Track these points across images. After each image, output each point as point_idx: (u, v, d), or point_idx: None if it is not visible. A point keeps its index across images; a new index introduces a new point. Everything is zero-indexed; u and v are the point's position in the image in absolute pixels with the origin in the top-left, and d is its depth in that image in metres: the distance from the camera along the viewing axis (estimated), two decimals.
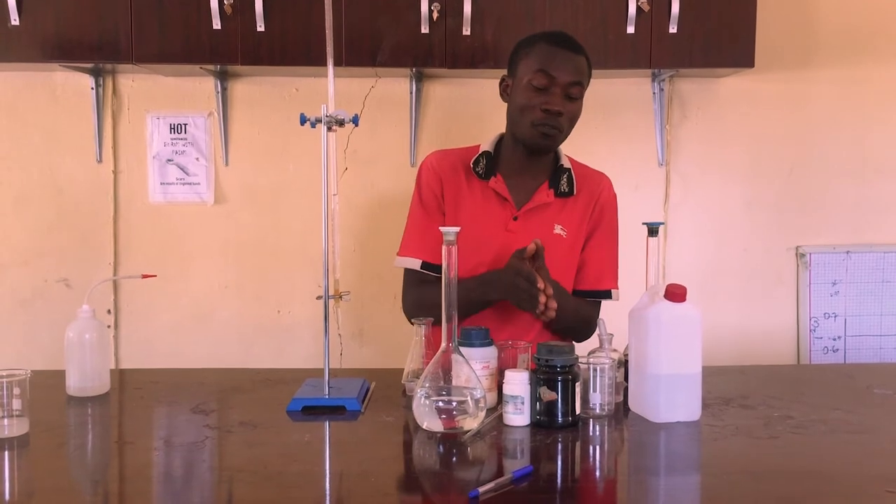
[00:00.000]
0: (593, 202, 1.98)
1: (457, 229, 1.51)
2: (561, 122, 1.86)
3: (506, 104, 1.96)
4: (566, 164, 1.99)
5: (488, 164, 1.96)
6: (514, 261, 1.77)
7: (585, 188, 1.98)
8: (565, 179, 1.96)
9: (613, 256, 2.02)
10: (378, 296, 2.85)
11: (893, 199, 2.95)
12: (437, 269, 1.95)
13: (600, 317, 1.79)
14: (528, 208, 1.94)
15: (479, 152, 1.98)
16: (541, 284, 1.71)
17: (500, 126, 2.01)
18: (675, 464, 1.42)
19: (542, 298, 1.71)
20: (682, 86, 2.90)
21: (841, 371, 2.22)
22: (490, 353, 1.62)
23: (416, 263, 1.96)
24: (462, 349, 1.54)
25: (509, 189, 1.95)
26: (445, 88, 2.87)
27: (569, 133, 1.92)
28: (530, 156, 1.94)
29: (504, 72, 1.97)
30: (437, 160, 2.00)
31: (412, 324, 1.86)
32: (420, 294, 1.96)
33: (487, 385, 1.58)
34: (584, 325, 1.98)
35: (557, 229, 1.94)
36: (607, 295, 2.00)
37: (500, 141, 2.00)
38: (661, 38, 2.56)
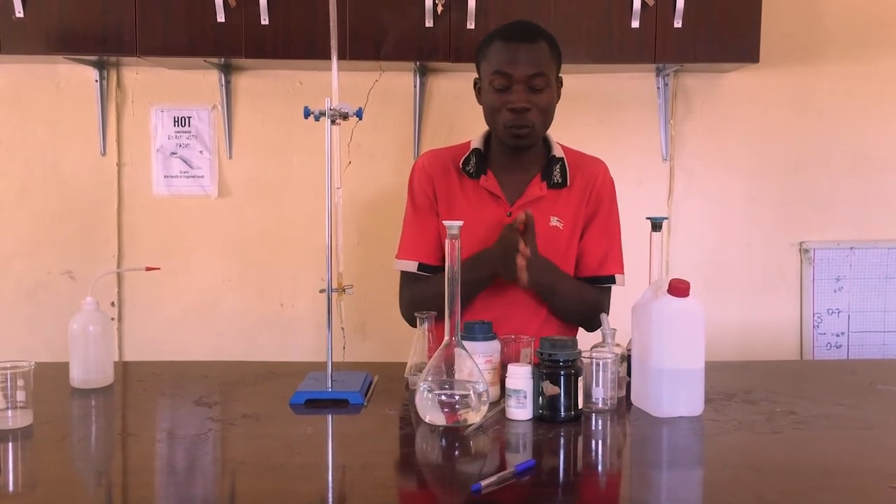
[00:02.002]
0: (588, 190, 1.95)
1: (460, 223, 1.51)
2: (530, 117, 1.83)
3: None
4: (558, 153, 1.95)
5: (478, 161, 1.94)
6: (506, 231, 1.79)
7: (579, 177, 1.95)
8: (558, 170, 1.93)
9: (615, 241, 1.99)
10: (381, 289, 2.84)
11: None
12: (433, 269, 1.96)
13: (602, 311, 1.79)
14: (522, 203, 1.92)
15: (469, 150, 1.96)
16: (521, 247, 1.72)
17: None
18: (677, 458, 1.42)
19: (520, 261, 1.72)
20: (686, 80, 2.90)
21: (844, 367, 2.22)
22: (493, 347, 1.62)
23: (412, 266, 1.96)
24: (465, 343, 1.54)
25: (501, 186, 1.93)
26: (449, 82, 2.87)
27: (546, 124, 1.89)
28: (516, 153, 1.92)
29: None
30: (427, 161, 1.99)
31: (412, 325, 1.88)
32: (415, 291, 1.96)
33: (490, 379, 1.59)
34: (592, 312, 1.93)
35: (554, 221, 1.92)
36: (611, 280, 1.96)
37: (490, 136, 1.98)
38: (665, 32, 2.55)
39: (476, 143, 1.97)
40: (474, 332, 1.61)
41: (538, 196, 1.92)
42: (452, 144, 2.06)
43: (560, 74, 1.94)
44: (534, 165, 1.95)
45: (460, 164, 1.95)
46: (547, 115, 1.88)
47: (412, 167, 2.02)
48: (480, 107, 1.97)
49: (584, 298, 1.95)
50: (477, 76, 1.94)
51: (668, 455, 1.44)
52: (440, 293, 1.70)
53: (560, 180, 1.93)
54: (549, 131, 1.98)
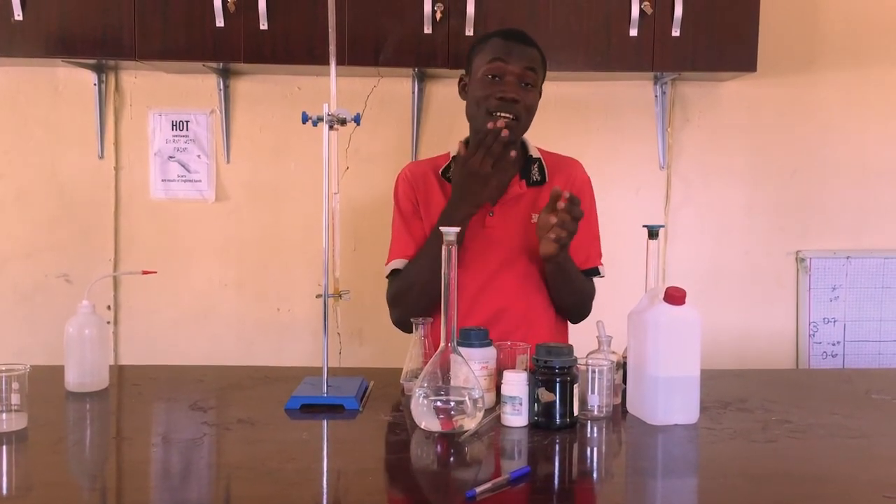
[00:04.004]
0: (568, 188, 1.94)
1: (457, 229, 1.51)
2: (517, 109, 1.87)
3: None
4: (535, 154, 2.01)
5: None
6: (460, 161, 1.82)
7: (558, 175, 2.01)
8: (536, 169, 1.99)
9: (596, 237, 2.06)
10: (378, 295, 2.82)
11: (894, 204, 2.95)
12: None
13: (599, 319, 1.80)
14: (502, 202, 1.96)
15: (449, 159, 2.01)
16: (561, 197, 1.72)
17: None
18: (672, 466, 1.42)
19: (562, 203, 1.71)
20: (684, 89, 2.90)
21: (839, 376, 2.23)
22: (489, 353, 1.62)
23: (401, 263, 1.99)
24: (461, 349, 1.54)
25: None
26: (448, 88, 2.87)
27: (526, 124, 1.93)
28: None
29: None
30: (409, 172, 2.05)
31: (400, 328, 1.97)
32: (395, 285, 2.00)
33: (486, 385, 1.59)
34: (586, 299, 2.03)
35: (535, 218, 1.94)
36: (595, 272, 2.04)
37: (469, 143, 2.01)
38: (663, 41, 2.56)
39: (455, 152, 1.99)
40: (470, 338, 1.61)
41: (518, 194, 1.97)
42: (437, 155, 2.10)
43: (543, 87, 1.99)
44: (512, 166, 1.97)
45: (440, 171, 2.00)
46: (529, 114, 1.92)
47: (396, 179, 2.06)
48: None
49: (581, 283, 2.01)
50: (463, 73, 1.99)
51: (663, 463, 1.44)
52: (418, 279, 1.87)
53: (539, 178, 1.99)
54: (538, 137, 2.03)
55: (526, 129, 1.95)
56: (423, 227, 1.99)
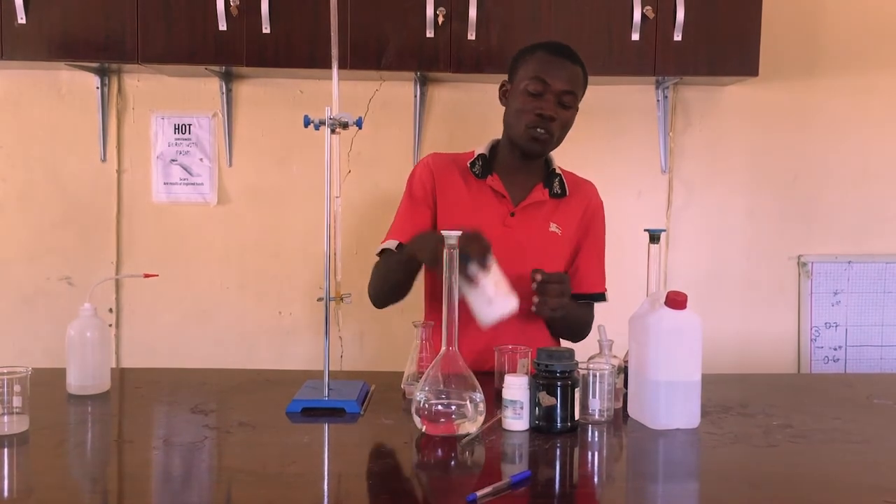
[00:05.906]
0: (584, 206, 2.05)
1: (458, 233, 1.52)
2: (553, 126, 1.91)
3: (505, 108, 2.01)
4: (557, 169, 2.05)
5: (484, 165, 2.02)
6: (473, 235, 1.68)
7: (577, 192, 2.05)
8: (558, 182, 2.03)
9: (602, 261, 2.10)
10: None
11: None
12: None
13: (601, 323, 1.81)
14: (525, 205, 1.99)
15: (475, 155, 2.03)
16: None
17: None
18: (673, 471, 1.42)
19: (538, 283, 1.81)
20: (686, 93, 2.90)
21: (841, 381, 2.22)
22: (494, 269, 1.68)
23: (392, 244, 1.99)
24: (469, 267, 1.62)
25: (506, 187, 2.00)
26: (450, 92, 2.88)
27: (561, 139, 1.97)
28: (524, 159, 2.00)
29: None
30: (432, 160, 2.06)
31: (375, 305, 2.03)
32: (379, 265, 2.02)
33: (507, 288, 1.67)
34: (584, 328, 2.07)
35: (553, 227, 2.00)
36: (602, 297, 2.07)
37: (496, 145, 2.06)
38: (665, 45, 2.56)
39: (482, 149, 2.04)
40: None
41: (541, 200, 2.00)
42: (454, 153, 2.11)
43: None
44: (536, 175, 2.03)
45: (468, 164, 2.02)
46: (564, 132, 1.96)
47: (415, 165, 2.08)
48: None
49: (585, 317, 2.07)
50: (506, 80, 2.00)
51: (664, 467, 1.44)
52: (392, 269, 1.94)
53: (559, 191, 2.02)
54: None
55: (557, 144, 1.98)
56: (429, 217, 2.01)
